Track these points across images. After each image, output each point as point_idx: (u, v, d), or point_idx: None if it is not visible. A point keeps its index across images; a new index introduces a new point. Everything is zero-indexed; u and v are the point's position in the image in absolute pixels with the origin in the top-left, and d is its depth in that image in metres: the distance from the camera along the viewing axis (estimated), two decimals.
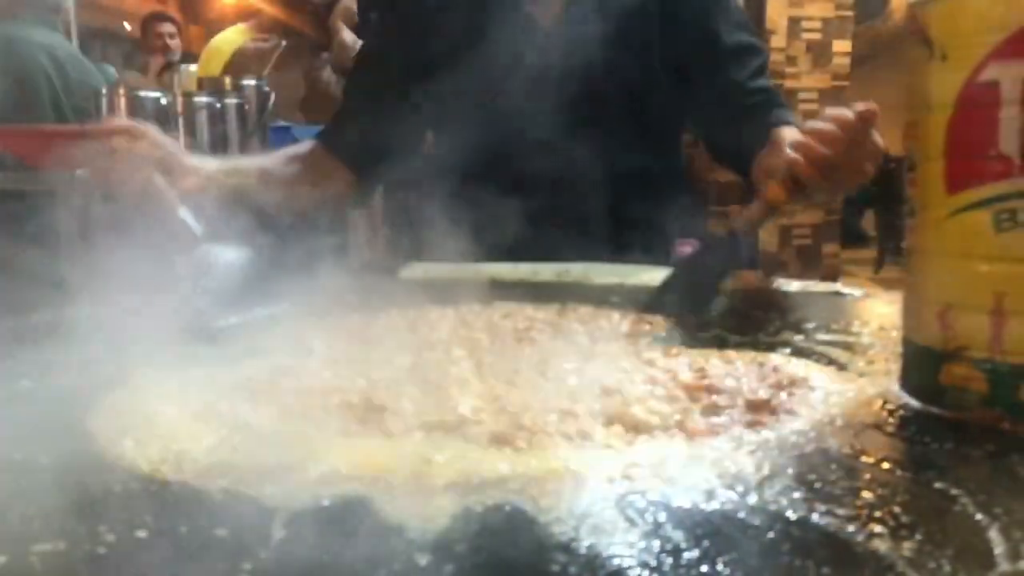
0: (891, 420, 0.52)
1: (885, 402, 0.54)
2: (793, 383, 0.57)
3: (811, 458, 0.45)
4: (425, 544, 0.36)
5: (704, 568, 0.34)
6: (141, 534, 0.38)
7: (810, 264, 3.21)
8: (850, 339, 0.70)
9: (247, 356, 0.66)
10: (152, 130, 0.95)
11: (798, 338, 0.71)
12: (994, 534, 0.36)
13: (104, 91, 2.06)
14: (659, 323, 0.77)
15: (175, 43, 4.16)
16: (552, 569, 0.34)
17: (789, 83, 3.08)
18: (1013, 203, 0.47)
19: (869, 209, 5.92)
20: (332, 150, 1.21)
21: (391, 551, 0.35)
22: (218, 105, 2.09)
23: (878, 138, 0.86)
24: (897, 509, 0.39)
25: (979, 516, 0.38)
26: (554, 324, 0.76)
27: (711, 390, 0.56)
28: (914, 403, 0.54)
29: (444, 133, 1.32)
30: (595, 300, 0.84)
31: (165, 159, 0.92)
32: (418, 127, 1.30)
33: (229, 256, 0.88)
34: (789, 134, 1.07)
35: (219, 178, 1.01)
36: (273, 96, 2.22)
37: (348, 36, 2.47)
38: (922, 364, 0.54)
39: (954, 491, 0.40)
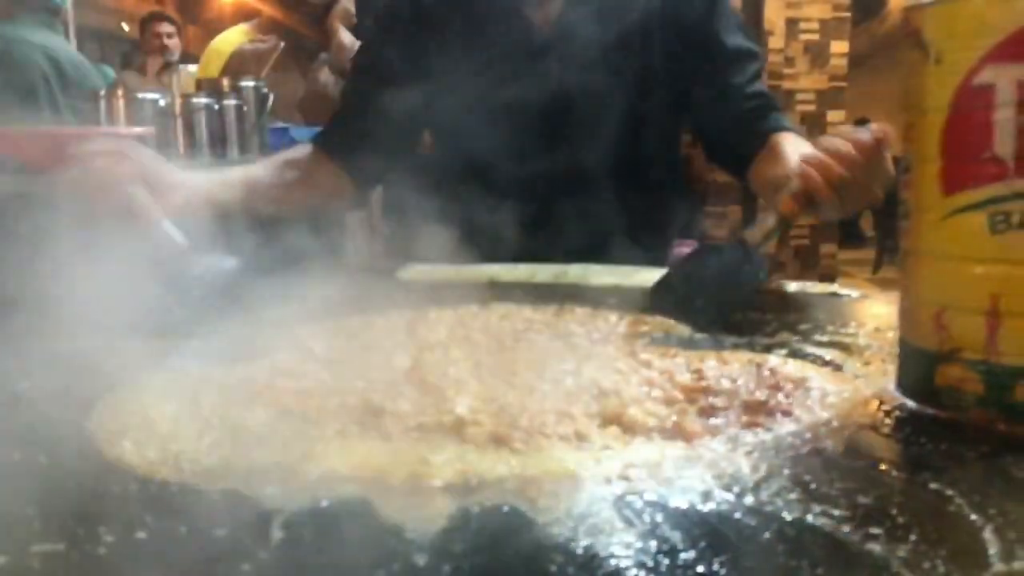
0: (887, 421, 0.52)
1: (881, 403, 0.55)
2: (790, 384, 0.57)
3: (807, 459, 0.46)
4: (423, 545, 0.36)
5: (701, 568, 0.34)
6: (140, 535, 0.38)
7: (808, 264, 3.21)
8: (847, 340, 0.70)
9: (246, 357, 0.66)
10: (137, 147, 0.94)
11: (795, 339, 0.71)
12: (989, 534, 0.36)
13: (103, 92, 2.07)
14: (657, 324, 0.77)
15: (173, 43, 4.16)
16: (550, 569, 0.34)
17: (787, 84, 3.07)
18: (1008, 205, 0.48)
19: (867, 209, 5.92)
20: (330, 154, 1.21)
21: (389, 552, 0.36)
22: (216, 106, 2.10)
23: (890, 162, 0.86)
24: (893, 510, 0.39)
25: (974, 517, 0.38)
26: (552, 325, 0.76)
27: (708, 391, 0.56)
28: (910, 404, 0.54)
29: (442, 135, 1.33)
30: (593, 301, 0.84)
31: (149, 176, 0.91)
32: (416, 129, 1.30)
33: (214, 265, 0.88)
34: (790, 142, 1.08)
35: (205, 194, 1.00)
36: (271, 97, 2.22)
37: (346, 37, 2.47)
38: (918, 365, 0.54)
39: (949, 492, 0.41)
